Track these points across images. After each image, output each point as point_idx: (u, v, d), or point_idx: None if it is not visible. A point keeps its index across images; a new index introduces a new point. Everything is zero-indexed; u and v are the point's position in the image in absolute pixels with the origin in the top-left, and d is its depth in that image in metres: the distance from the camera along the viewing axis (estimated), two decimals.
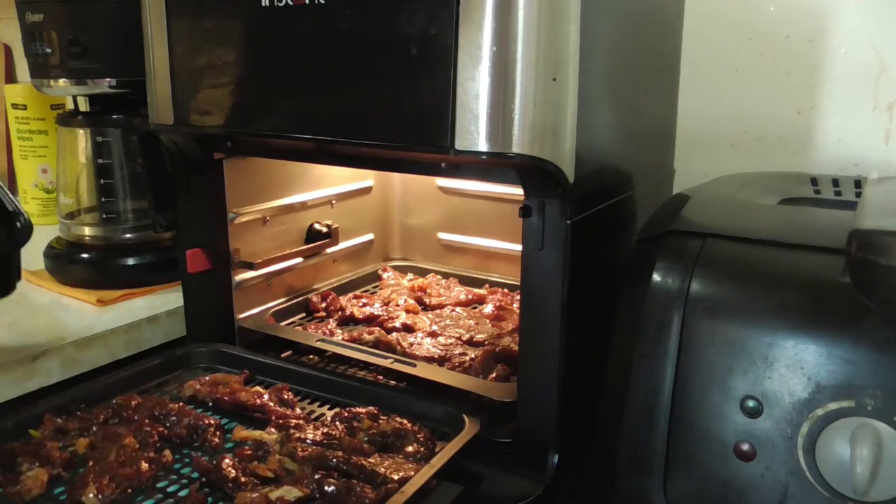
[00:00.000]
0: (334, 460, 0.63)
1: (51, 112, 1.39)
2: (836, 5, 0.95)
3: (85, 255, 1.04)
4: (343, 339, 0.92)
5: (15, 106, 1.40)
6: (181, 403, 0.74)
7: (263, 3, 0.68)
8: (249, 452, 0.66)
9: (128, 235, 1.05)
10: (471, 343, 0.91)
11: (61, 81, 0.98)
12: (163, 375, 0.82)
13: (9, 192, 0.76)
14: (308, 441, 0.68)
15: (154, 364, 0.82)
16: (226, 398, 0.75)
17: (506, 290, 1.08)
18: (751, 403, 0.54)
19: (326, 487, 0.59)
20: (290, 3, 0.67)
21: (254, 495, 0.59)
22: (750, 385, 0.54)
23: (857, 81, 0.96)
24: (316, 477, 0.60)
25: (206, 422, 0.71)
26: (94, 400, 0.74)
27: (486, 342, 0.90)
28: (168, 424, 0.71)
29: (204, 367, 0.85)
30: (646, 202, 0.81)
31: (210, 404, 0.76)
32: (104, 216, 1.06)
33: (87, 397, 0.74)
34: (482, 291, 1.08)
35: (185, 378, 0.81)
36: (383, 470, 0.62)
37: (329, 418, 0.72)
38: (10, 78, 1.72)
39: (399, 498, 0.57)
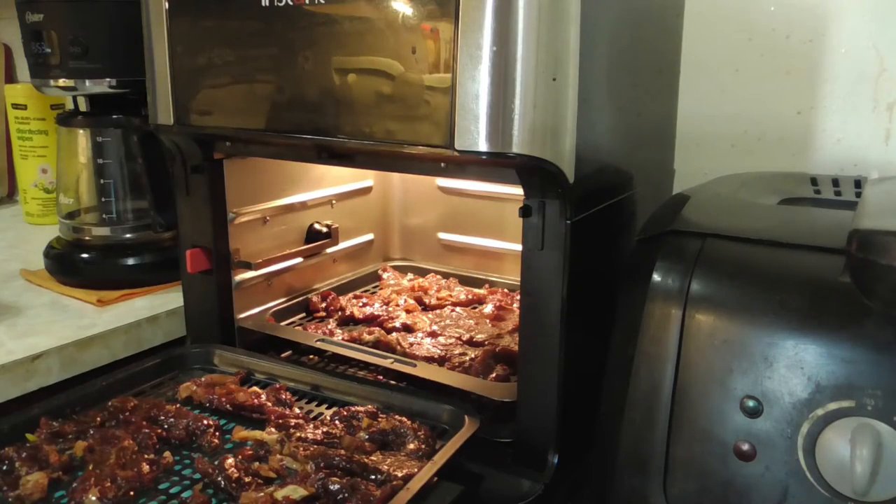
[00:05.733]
0: (337, 459, 0.63)
1: (51, 112, 1.39)
2: (836, 5, 0.95)
3: (85, 255, 1.04)
4: (343, 339, 0.92)
5: (15, 106, 1.40)
6: (178, 405, 0.74)
7: (263, 3, 0.68)
8: (251, 453, 0.66)
9: (128, 235, 1.05)
10: (471, 343, 0.91)
11: (61, 81, 0.98)
12: (157, 377, 0.82)
13: None
14: (308, 440, 0.68)
15: (148, 366, 0.82)
16: (223, 399, 0.75)
17: (506, 290, 1.08)
18: (751, 403, 0.54)
19: (331, 486, 0.59)
20: (290, 2, 0.67)
21: (259, 495, 0.59)
22: (750, 385, 0.54)
23: (857, 81, 0.96)
24: (320, 476, 0.60)
25: (205, 423, 0.71)
26: (89, 403, 0.74)
27: (486, 342, 0.90)
28: (166, 426, 0.70)
29: (199, 368, 0.85)
30: (646, 202, 0.81)
31: (207, 405, 0.76)
32: (104, 216, 1.06)
33: (82, 400, 0.74)
34: (482, 291, 1.08)
35: (180, 379, 0.81)
36: (386, 467, 0.62)
37: (328, 417, 0.72)
38: (10, 78, 1.72)
39: (405, 495, 0.57)
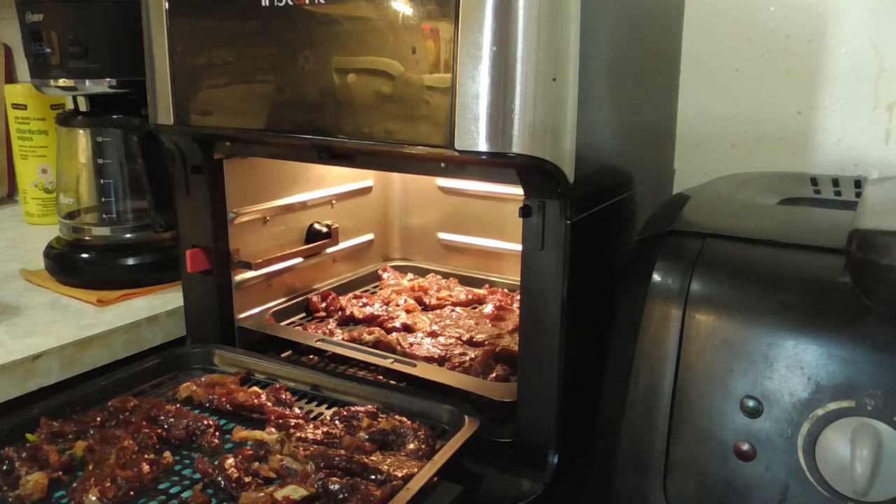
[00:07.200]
0: (337, 459, 0.63)
1: (51, 112, 1.39)
2: (836, 5, 0.95)
3: (85, 255, 1.04)
4: (343, 339, 0.92)
5: (15, 106, 1.40)
6: (178, 405, 0.74)
7: (263, 3, 0.68)
8: (251, 452, 0.66)
9: (128, 235, 1.05)
10: (471, 343, 0.91)
11: (61, 81, 0.98)
12: (157, 377, 0.82)
13: None
14: (309, 440, 0.68)
15: (148, 366, 0.82)
16: (223, 399, 0.75)
17: (506, 290, 1.08)
18: (751, 403, 0.54)
19: (331, 486, 0.59)
20: (290, 2, 0.67)
21: (259, 495, 0.59)
22: (750, 385, 0.54)
23: (857, 81, 0.96)
24: (320, 476, 0.60)
25: (206, 423, 0.71)
26: (90, 402, 0.74)
27: (486, 342, 0.90)
28: (166, 426, 0.70)
29: (199, 368, 0.85)
30: (646, 202, 0.81)
31: (207, 405, 0.76)
32: (104, 216, 1.06)
33: (82, 400, 0.74)
34: (482, 291, 1.08)
35: (180, 379, 0.81)
36: (386, 468, 0.62)
37: (328, 417, 0.72)
38: (10, 78, 1.72)
39: (404, 495, 0.57)
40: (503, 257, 1.13)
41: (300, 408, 0.76)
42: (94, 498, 0.60)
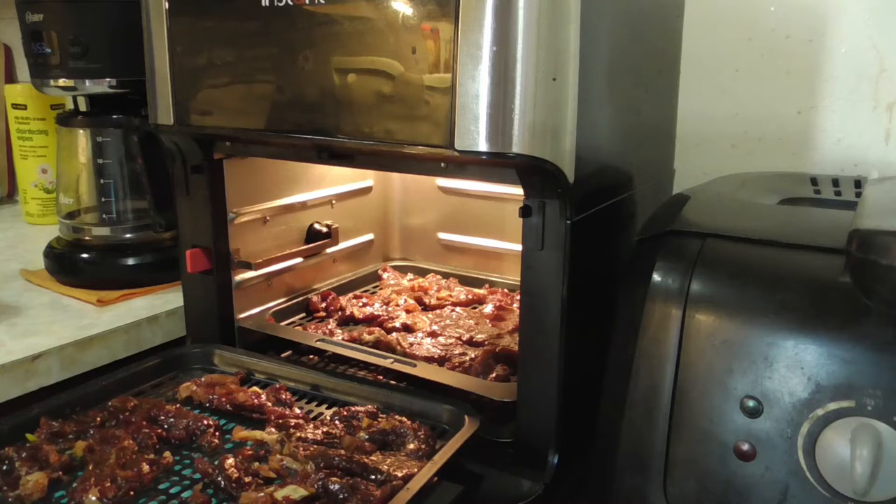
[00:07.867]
0: (337, 459, 0.63)
1: (51, 112, 1.39)
2: (836, 5, 0.95)
3: (85, 255, 1.04)
4: (343, 339, 0.92)
5: (15, 106, 1.40)
6: (178, 405, 0.74)
7: (263, 3, 0.68)
8: (251, 453, 0.66)
9: (128, 235, 1.05)
10: (471, 343, 0.91)
11: (61, 81, 0.98)
12: (157, 377, 0.82)
13: None
14: (308, 440, 0.68)
15: (148, 366, 0.82)
16: (223, 399, 0.75)
17: (506, 290, 1.08)
18: (751, 403, 0.54)
19: (331, 486, 0.59)
20: (290, 2, 0.67)
21: (259, 495, 0.59)
22: (750, 385, 0.54)
23: (857, 81, 0.96)
24: (320, 476, 0.60)
25: (206, 423, 0.71)
26: (89, 402, 0.74)
27: (486, 342, 0.90)
28: (166, 426, 0.70)
29: (199, 368, 0.85)
30: (646, 202, 0.81)
31: (207, 405, 0.76)
32: (104, 216, 1.06)
33: (82, 400, 0.74)
34: (482, 291, 1.08)
35: (180, 379, 0.81)
36: (386, 468, 0.62)
37: (328, 417, 0.72)
38: (10, 78, 1.72)
39: (404, 495, 0.57)
40: (503, 257, 1.13)
41: (300, 408, 0.76)
42: (94, 498, 0.60)
